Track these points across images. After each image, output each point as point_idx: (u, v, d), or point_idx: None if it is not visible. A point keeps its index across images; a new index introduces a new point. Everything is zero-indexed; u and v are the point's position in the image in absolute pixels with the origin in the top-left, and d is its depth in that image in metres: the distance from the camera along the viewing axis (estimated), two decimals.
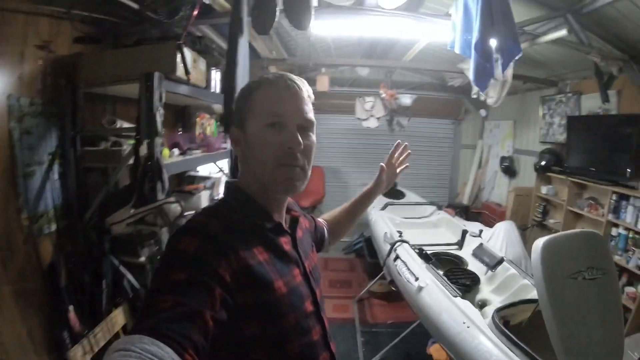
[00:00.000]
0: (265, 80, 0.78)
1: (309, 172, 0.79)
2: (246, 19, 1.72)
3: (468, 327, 1.69)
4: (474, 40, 1.80)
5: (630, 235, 2.69)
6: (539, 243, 1.34)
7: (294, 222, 0.87)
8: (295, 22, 1.75)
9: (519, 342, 1.48)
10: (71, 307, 1.74)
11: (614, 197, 2.83)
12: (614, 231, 2.83)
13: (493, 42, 1.80)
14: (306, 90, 0.79)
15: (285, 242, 0.80)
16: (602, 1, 2.04)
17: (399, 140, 1.23)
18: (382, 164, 1.19)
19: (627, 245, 2.69)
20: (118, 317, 1.82)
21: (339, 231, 1.19)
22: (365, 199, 1.21)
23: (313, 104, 0.81)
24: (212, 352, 0.58)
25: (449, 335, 1.76)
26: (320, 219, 1.14)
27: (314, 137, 0.80)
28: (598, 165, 3.11)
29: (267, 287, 0.70)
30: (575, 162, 3.40)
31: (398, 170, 1.22)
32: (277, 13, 1.71)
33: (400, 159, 1.23)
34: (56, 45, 1.86)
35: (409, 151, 1.24)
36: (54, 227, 1.87)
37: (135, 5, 1.76)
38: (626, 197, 2.74)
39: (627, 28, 2.31)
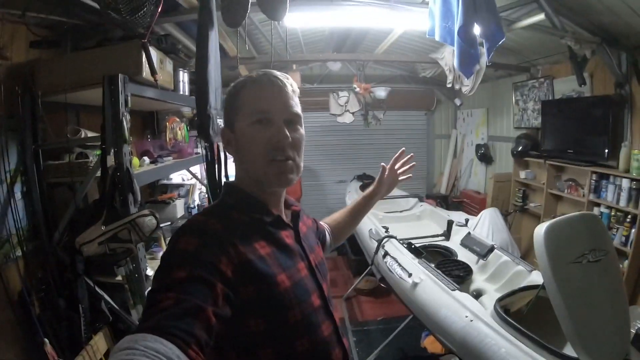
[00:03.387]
0: (249, 79, 0.80)
1: (301, 164, 0.81)
2: (215, 12, 1.60)
3: (471, 320, 1.64)
4: (456, 27, 1.76)
5: (613, 213, 2.75)
6: (541, 230, 1.32)
7: (296, 216, 0.88)
8: (270, 12, 1.64)
9: (527, 332, 1.46)
10: (46, 340, 1.59)
11: (594, 177, 2.89)
12: (595, 210, 2.89)
13: (476, 29, 1.76)
14: (290, 85, 0.81)
15: (286, 236, 0.81)
16: None
17: (403, 148, 1.23)
18: (383, 163, 1.19)
19: (610, 223, 2.75)
20: (99, 344, 1.67)
21: (341, 234, 1.19)
22: (367, 202, 1.22)
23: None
24: (219, 349, 0.61)
25: (451, 331, 1.71)
26: (322, 222, 1.13)
27: (302, 130, 0.81)
28: (575, 147, 3.17)
29: (269, 281, 0.70)
30: (552, 145, 3.47)
31: (400, 178, 1.22)
32: (249, 3, 1.59)
33: (404, 168, 1.23)
34: (10, 52, 1.72)
35: (414, 163, 1.24)
36: (20, 252, 1.72)
37: (95, 5, 1.61)
38: (606, 177, 2.80)
39: (599, 11, 2.34)
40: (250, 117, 0.76)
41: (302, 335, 0.73)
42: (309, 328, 0.74)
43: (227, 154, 0.86)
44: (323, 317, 0.78)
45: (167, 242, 0.70)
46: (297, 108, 0.80)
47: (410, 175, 1.24)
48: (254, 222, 0.77)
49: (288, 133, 0.76)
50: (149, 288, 0.65)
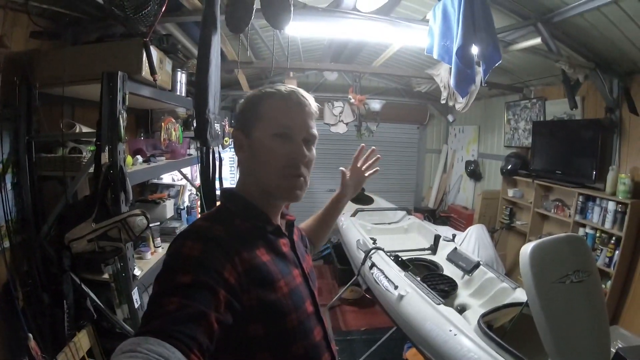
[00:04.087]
0: (278, 92, 0.80)
1: (308, 182, 0.83)
2: (219, 17, 1.62)
3: (455, 334, 1.67)
4: (455, 47, 1.80)
5: (598, 234, 2.80)
6: (527, 250, 1.36)
7: (290, 225, 0.90)
8: (273, 21, 1.66)
9: (509, 348, 1.48)
10: (31, 336, 1.57)
11: (580, 198, 2.94)
12: (580, 231, 2.94)
13: (474, 49, 1.80)
14: (314, 106, 0.83)
15: (283, 244, 0.83)
16: (572, 11, 2.11)
17: (362, 144, 1.25)
18: (341, 168, 1.22)
19: (595, 244, 2.80)
20: (82, 341, 1.65)
21: (317, 241, 1.21)
22: (335, 205, 1.23)
23: None
24: (218, 354, 0.60)
25: (435, 344, 1.73)
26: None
27: (314, 151, 0.84)
28: (563, 168, 3.23)
29: (271, 287, 0.71)
30: (541, 165, 3.53)
31: (366, 174, 1.23)
32: (254, 10, 1.61)
33: (368, 163, 1.23)
34: (10, 40, 1.70)
35: (378, 155, 1.24)
36: (7, 243, 1.69)
37: None
38: (592, 198, 2.86)
39: (594, 37, 2.40)
40: (272, 129, 0.77)
41: (297, 341, 0.74)
42: (304, 333, 0.76)
43: (237, 157, 0.85)
44: (315, 322, 0.80)
45: (169, 245, 0.69)
46: (315, 129, 0.82)
47: (377, 168, 1.24)
48: (256, 230, 0.78)
49: (306, 152, 0.79)
50: (151, 290, 0.64)
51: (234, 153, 0.86)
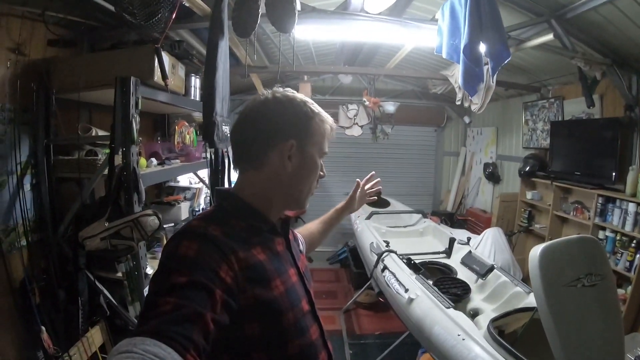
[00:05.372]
0: (327, 118, 0.86)
1: None
2: (227, 22, 1.65)
3: (463, 339, 1.63)
4: (462, 45, 1.78)
5: (618, 237, 2.70)
6: (536, 251, 1.32)
7: (285, 224, 0.91)
8: (278, 24, 1.69)
9: (518, 354, 1.43)
10: (43, 328, 1.63)
11: (600, 200, 2.84)
12: (600, 234, 2.84)
13: (482, 47, 1.78)
14: None
15: (279, 243, 0.84)
16: (585, 6, 2.05)
17: (372, 172, 1.34)
18: (358, 179, 1.30)
19: (615, 247, 2.70)
20: (95, 337, 1.71)
21: (312, 245, 1.24)
22: (337, 215, 1.30)
23: None
24: (214, 354, 0.60)
25: (443, 349, 1.69)
26: (296, 232, 1.15)
27: None
28: (583, 169, 3.13)
29: (266, 286, 0.72)
30: (560, 167, 3.43)
31: (367, 198, 1.34)
32: (259, 15, 1.64)
33: (371, 190, 1.34)
34: (29, 48, 1.78)
35: (380, 188, 1.36)
36: (25, 241, 1.77)
37: (111, 7, 1.68)
38: (612, 200, 2.76)
39: (609, 32, 2.33)
40: (319, 149, 0.84)
41: (293, 339, 0.75)
42: (300, 332, 0.76)
43: (277, 163, 0.82)
44: (311, 321, 0.81)
45: (165, 245, 0.70)
46: None
47: (375, 197, 1.35)
48: (252, 229, 0.78)
49: None
50: (147, 290, 0.66)
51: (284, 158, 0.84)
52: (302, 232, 1.19)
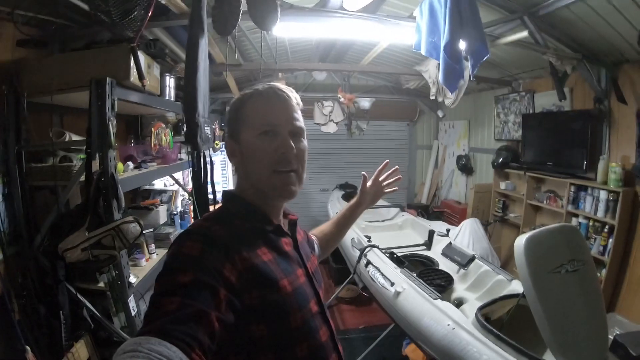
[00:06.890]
0: (255, 92, 0.82)
1: (304, 176, 0.84)
2: (206, 20, 1.61)
3: (453, 328, 1.67)
4: (443, 42, 1.81)
5: (591, 223, 2.83)
6: (521, 241, 1.36)
7: (293, 225, 0.90)
8: (260, 22, 1.66)
9: (507, 339, 1.49)
10: (28, 348, 1.54)
11: (572, 188, 2.97)
12: (574, 221, 2.97)
13: (462, 44, 1.81)
14: (295, 98, 0.84)
15: (286, 243, 0.83)
16: (558, 4, 2.13)
17: (387, 160, 1.26)
18: (364, 173, 1.22)
19: (588, 233, 2.83)
20: (80, 351, 1.64)
21: (328, 246, 1.22)
22: (351, 213, 1.24)
23: None
24: (220, 354, 0.60)
25: (434, 339, 1.73)
26: (310, 234, 1.14)
27: (305, 142, 0.84)
28: (555, 160, 3.26)
29: (272, 286, 0.71)
30: (532, 158, 3.56)
31: (385, 190, 1.24)
32: (240, 13, 1.61)
33: (389, 181, 1.25)
34: None
35: (400, 176, 1.26)
36: (0, 255, 1.67)
37: (84, 6, 1.60)
38: (584, 188, 2.89)
39: (580, 29, 2.42)
40: (256, 128, 0.78)
41: (302, 341, 0.74)
42: (309, 334, 0.75)
43: (231, 164, 0.86)
44: (321, 323, 0.80)
45: (170, 245, 0.69)
46: (301, 121, 0.83)
47: (396, 188, 1.26)
48: (256, 230, 0.78)
49: (293, 144, 0.79)
50: (152, 290, 0.63)
51: (228, 160, 0.87)
52: (316, 234, 1.19)
